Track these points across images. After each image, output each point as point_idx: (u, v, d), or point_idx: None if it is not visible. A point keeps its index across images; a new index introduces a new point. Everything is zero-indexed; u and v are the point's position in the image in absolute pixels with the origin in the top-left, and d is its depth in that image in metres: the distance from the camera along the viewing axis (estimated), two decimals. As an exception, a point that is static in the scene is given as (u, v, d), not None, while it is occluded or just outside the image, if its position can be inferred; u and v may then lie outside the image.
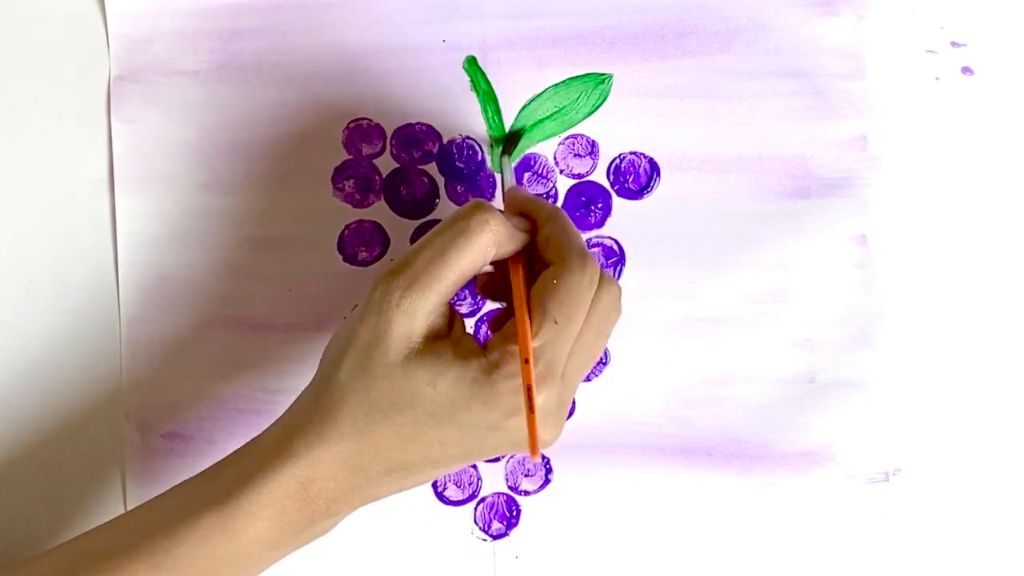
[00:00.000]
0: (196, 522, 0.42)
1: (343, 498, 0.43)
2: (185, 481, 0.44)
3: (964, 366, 0.52)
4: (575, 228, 0.44)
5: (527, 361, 0.39)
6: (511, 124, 0.52)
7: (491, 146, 0.52)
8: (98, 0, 0.52)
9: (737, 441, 0.52)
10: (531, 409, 0.39)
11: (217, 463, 0.44)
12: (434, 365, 0.41)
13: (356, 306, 0.43)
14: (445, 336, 0.43)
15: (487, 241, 0.42)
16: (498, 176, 0.51)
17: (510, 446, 0.42)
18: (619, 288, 0.43)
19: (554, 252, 0.42)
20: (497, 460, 0.52)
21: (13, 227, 0.52)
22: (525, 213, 0.45)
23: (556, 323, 0.40)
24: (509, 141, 0.51)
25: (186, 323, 0.52)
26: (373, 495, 0.43)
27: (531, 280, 0.43)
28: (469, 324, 0.52)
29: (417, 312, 0.41)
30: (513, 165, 0.52)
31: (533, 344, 0.40)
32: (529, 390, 0.39)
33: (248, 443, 0.44)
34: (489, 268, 0.46)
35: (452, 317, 0.44)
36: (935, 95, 0.52)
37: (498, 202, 0.49)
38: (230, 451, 0.51)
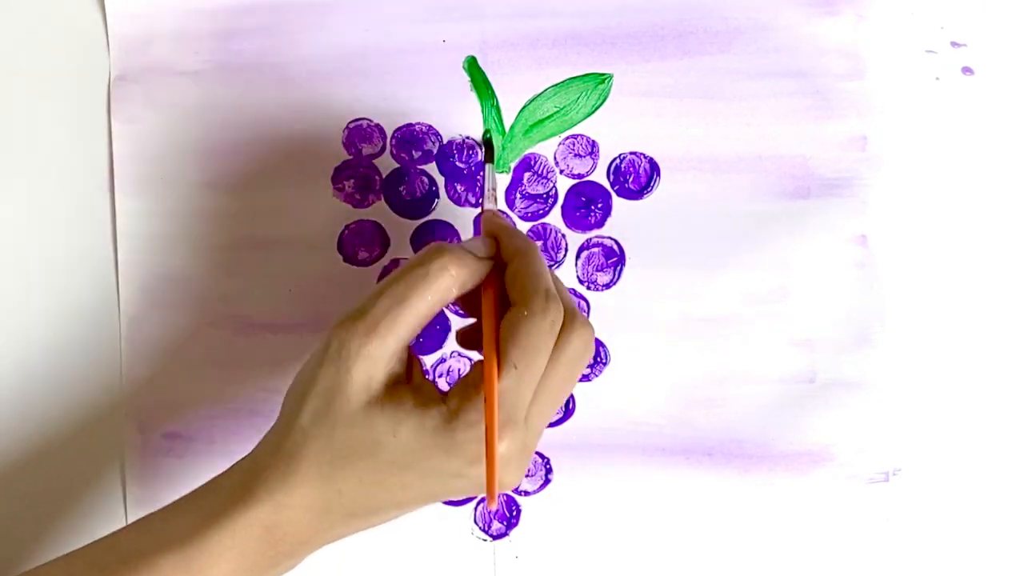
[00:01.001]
0: (158, 561, 0.41)
1: (307, 541, 0.43)
2: (149, 515, 0.43)
3: (964, 366, 0.52)
4: (544, 266, 0.43)
5: (490, 407, 0.39)
6: (511, 124, 0.52)
7: (482, 147, 0.52)
8: (98, 0, 0.52)
9: (737, 441, 0.52)
10: (491, 459, 0.39)
11: (182, 498, 0.44)
12: (395, 413, 0.41)
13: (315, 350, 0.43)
14: (405, 382, 0.42)
15: (447, 285, 0.42)
16: (482, 184, 0.51)
17: (475, 490, 0.42)
18: (590, 330, 0.43)
19: (518, 292, 0.42)
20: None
21: (13, 227, 0.52)
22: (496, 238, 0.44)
23: (516, 368, 0.40)
24: (487, 147, 0.51)
25: (186, 323, 0.52)
26: (337, 536, 0.43)
27: (502, 310, 0.42)
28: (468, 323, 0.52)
29: (378, 359, 0.41)
30: (512, 167, 0.52)
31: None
32: (489, 439, 0.39)
33: (211, 481, 0.44)
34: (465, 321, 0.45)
35: (411, 361, 0.43)
36: (935, 95, 0.52)
37: (489, 203, 0.49)
38: (230, 451, 0.52)
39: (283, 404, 0.44)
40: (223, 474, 0.43)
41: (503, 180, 0.52)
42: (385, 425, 0.41)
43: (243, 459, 0.43)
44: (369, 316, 0.41)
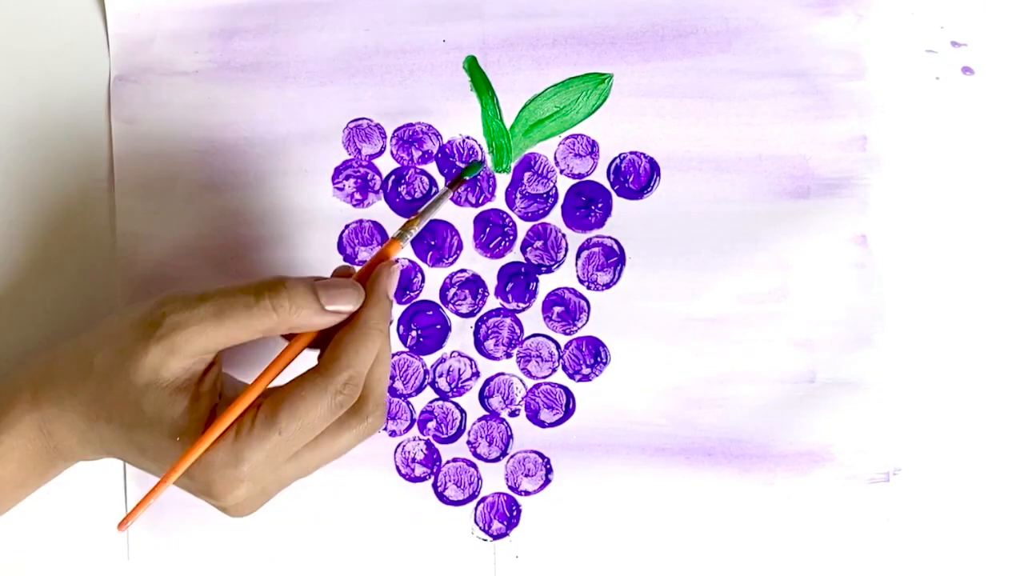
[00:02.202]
0: None
1: (78, 454, 0.46)
2: None
3: (964, 366, 0.52)
4: (369, 354, 0.43)
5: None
6: (511, 124, 0.52)
7: (490, 148, 0.52)
8: (98, 0, 0.52)
9: (737, 441, 0.52)
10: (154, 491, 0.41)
11: None
12: (162, 410, 0.42)
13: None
14: (194, 383, 0.43)
15: (269, 324, 0.42)
16: (430, 199, 0.50)
17: (198, 495, 0.43)
18: (374, 429, 0.44)
19: (327, 359, 0.42)
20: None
21: (13, 227, 0.52)
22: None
23: (279, 435, 0.41)
24: (468, 168, 0.51)
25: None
26: (103, 457, 0.46)
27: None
28: (468, 323, 0.52)
29: (176, 352, 0.42)
30: (513, 167, 0.52)
31: (246, 443, 0.41)
32: (166, 476, 0.41)
33: (8, 375, 0.47)
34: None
35: (213, 369, 0.44)
36: (935, 95, 0.52)
37: (415, 229, 0.47)
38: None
39: (106, 318, 0.46)
40: (25, 365, 0.47)
41: (503, 180, 0.52)
42: (148, 413, 0.42)
43: (49, 352, 0.46)
44: (193, 311, 0.42)
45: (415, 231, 0.46)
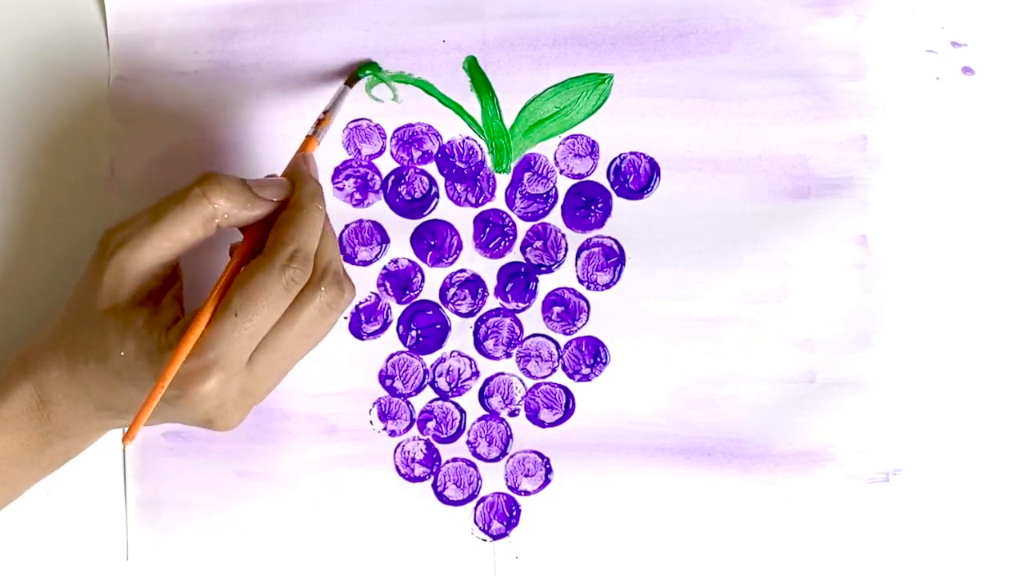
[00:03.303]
0: None
1: (72, 423, 0.46)
2: None
3: (964, 366, 0.52)
4: (313, 227, 0.44)
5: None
6: (511, 124, 0.52)
7: (490, 149, 0.52)
8: (98, 0, 0.52)
9: (737, 441, 0.52)
10: (149, 402, 0.41)
11: None
12: (125, 327, 0.43)
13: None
14: (153, 300, 0.45)
15: (205, 214, 0.43)
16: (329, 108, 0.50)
17: (187, 421, 0.44)
18: (337, 300, 0.44)
19: (271, 242, 0.43)
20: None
21: (13, 227, 0.52)
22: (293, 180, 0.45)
23: (236, 316, 0.42)
24: (362, 67, 0.51)
25: (186, 323, 0.52)
26: (98, 426, 0.46)
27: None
28: (468, 323, 0.52)
29: (126, 269, 0.43)
30: (513, 167, 0.52)
31: (204, 332, 0.42)
32: (159, 383, 0.41)
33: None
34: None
35: (172, 282, 0.46)
36: (935, 95, 0.52)
37: (321, 133, 0.48)
38: (231, 450, 0.52)
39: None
40: (24, 345, 0.47)
41: (503, 180, 0.52)
42: (115, 336, 0.43)
43: (37, 332, 0.47)
44: (128, 228, 0.44)
45: (327, 129, 0.48)
